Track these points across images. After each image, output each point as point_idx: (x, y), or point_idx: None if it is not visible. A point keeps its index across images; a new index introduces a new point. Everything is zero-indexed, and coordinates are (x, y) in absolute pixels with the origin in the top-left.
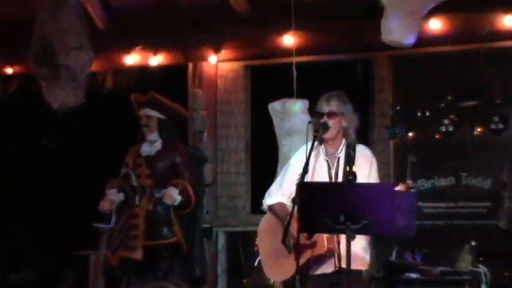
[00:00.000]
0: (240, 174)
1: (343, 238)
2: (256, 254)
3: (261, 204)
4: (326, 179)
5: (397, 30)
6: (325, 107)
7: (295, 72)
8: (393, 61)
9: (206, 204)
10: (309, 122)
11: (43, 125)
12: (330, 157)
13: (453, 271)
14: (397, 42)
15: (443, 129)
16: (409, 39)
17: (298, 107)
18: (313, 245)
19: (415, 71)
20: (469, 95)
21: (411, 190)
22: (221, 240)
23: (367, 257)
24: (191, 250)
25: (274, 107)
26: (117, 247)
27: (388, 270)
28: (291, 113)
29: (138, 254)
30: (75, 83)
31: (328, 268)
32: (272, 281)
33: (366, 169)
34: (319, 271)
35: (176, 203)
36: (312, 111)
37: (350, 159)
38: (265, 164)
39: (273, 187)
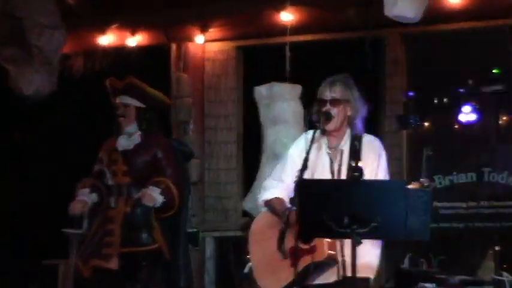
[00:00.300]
0: (230, 171)
1: (347, 243)
2: (248, 261)
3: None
4: (328, 175)
5: (401, 2)
6: (327, 93)
7: (288, 53)
8: (406, 40)
9: (192, 206)
10: (309, 110)
11: (6, 115)
12: (333, 150)
13: (474, 280)
14: (402, 16)
15: (463, 118)
16: (415, 13)
17: (287, 92)
18: (312, 250)
19: (432, 51)
20: (492, 78)
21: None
22: (209, 247)
23: (375, 263)
24: (174, 258)
25: (260, 91)
26: (89, 255)
27: (399, 279)
28: (278, 99)
29: (113, 263)
30: (50, 67)
31: (330, 277)
32: None
33: (374, 163)
34: (320, 280)
35: (157, 205)
36: (307, 97)
37: (355, 153)
38: (259, 159)
39: (269, 181)
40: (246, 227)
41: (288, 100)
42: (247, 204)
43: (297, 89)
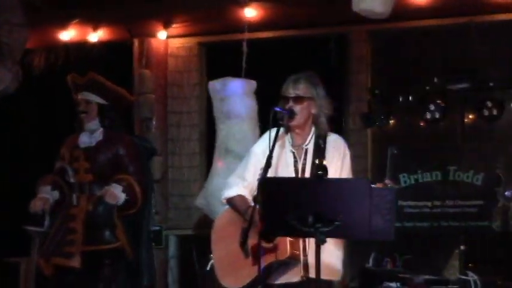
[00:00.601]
0: (193, 169)
1: (310, 242)
2: (211, 259)
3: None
4: (292, 174)
5: None
6: (291, 90)
7: (245, 50)
8: (372, 37)
9: (155, 204)
10: (273, 108)
11: None
12: (297, 148)
13: (439, 279)
14: (369, 11)
15: (428, 116)
16: (384, 8)
17: (241, 87)
18: (274, 249)
19: (397, 49)
20: (458, 77)
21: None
22: (172, 245)
23: (338, 265)
24: (137, 257)
25: (215, 85)
26: (51, 254)
27: (364, 278)
28: (232, 94)
29: (76, 262)
30: (16, 64)
31: (293, 277)
32: None
33: (338, 162)
34: (283, 280)
35: (120, 203)
36: (270, 94)
37: (320, 152)
38: (214, 151)
39: (232, 178)
40: (199, 226)
41: (241, 95)
42: (199, 201)
43: (252, 84)
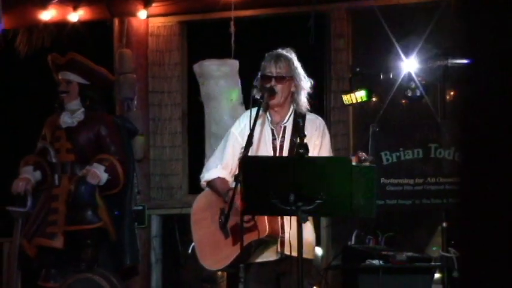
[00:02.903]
0: (175, 148)
1: (286, 220)
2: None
3: (199, 181)
4: (270, 152)
5: None
6: (273, 69)
7: (233, 28)
8: (352, 15)
9: (137, 184)
10: (253, 86)
11: None
12: (276, 126)
13: (421, 257)
14: None
15: (409, 93)
16: None
17: (215, 69)
18: (252, 228)
19: (378, 26)
20: (439, 53)
21: (364, 164)
22: (155, 225)
23: (314, 244)
24: (120, 237)
25: (194, 69)
26: (33, 234)
27: (346, 257)
28: (209, 76)
29: (58, 242)
30: None
31: (271, 255)
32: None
33: (316, 141)
34: (262, 258)
35: (102, 182)
36: (249, 72)
37: (299, 130)
38: (204, 136)
39: (212, 160)
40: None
41: (216, 77)
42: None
43: (229, 65)
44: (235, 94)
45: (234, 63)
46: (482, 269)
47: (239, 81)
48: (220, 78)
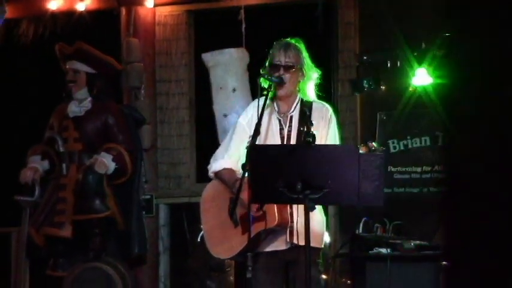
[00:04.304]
0: (183, 137)
1: (295, 209)
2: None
3: (207, 171)
4: (278, 141)
5: None
6: (282, 58)
7: (243, 17)
8: (360, 2)
9: (145, 173)
10: (260, 75)
11: None
12: (283, 116)
13: (429, 245)
14: None
15: (417, 81)
16: None
17: (222, 58)
18: (262, 218)
19: (385, 14)
20: (445, 41)
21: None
22: (163, 214)
23: (323, 233)
24: (128, 226)
25: (204, 58)
26: (41, 223)
27: (354, 245)
28: (216, 66)
29: (66, 231)
30: None
31: (280, 245)
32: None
33: (323, 130)
34: (271, 248)
35: (109, 172)
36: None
37: (306, 119)
38: (212, 125)
39: (219, 150)
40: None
41: (223, 66)
42: None
43: (237, 53)
44: (241, 82)
45: (241, 52)
46: (467, 258)
47: (246, 69)
48: (227, 66)
